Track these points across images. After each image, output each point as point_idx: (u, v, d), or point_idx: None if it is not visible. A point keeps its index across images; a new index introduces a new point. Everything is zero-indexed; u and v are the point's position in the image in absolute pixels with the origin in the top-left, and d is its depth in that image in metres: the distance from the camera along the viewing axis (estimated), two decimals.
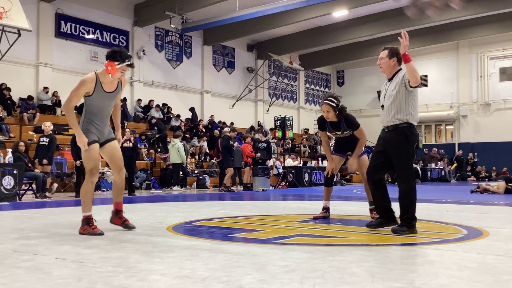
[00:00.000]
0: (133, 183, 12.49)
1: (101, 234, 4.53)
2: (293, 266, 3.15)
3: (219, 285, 2.62)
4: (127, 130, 12.68)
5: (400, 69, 4.85)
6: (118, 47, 4.86)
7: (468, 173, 27.53)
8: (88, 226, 4.60)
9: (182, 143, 15.50)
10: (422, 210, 7.42)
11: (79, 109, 15.22)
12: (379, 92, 28.83)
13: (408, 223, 4.70)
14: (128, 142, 12.12)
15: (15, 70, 16.78)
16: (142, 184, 15.21)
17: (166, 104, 21.03)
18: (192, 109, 21.86)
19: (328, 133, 6.25)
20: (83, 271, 2.99)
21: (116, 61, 4.59)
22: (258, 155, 15.68)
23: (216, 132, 19.99)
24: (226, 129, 17.64)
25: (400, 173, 4.83)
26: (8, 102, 16.00)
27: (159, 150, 17.27)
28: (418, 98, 4.82)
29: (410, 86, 4.65)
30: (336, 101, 5.86)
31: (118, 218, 4.90)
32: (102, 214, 5.68)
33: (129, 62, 4.65)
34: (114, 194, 4.99)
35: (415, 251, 3.71)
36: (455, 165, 27.27)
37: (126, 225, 4.84)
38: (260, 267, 3.08)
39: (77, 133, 4.57)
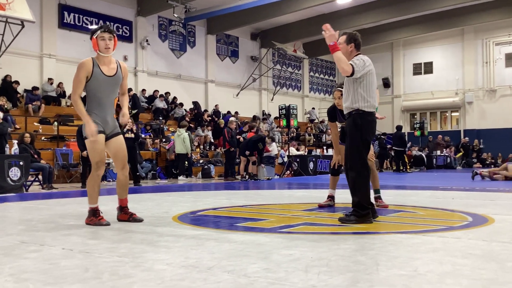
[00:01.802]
0: (138, 173, 12.51)
1: (108, 224, 4.55)
2: (298, 254, 3.16)
3: (224, 274, 2.64)
4: (129, 120, 12.61)
5: (358, 54, 4.80)
6: None
7: (473, 159, 27.44)
8: (94, 217, 4.62)
9: (187, 133, 15.52)
10: (427, 198, 7.44)
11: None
12: (383, 79, 28.61)
13: (356, 213, 4.58)
14: (129, 132, 12.06)
15: (19, 61, 16.79)
16: (147, 174, 15.25)
17: (169, 93, 20.98)
18: (195, 103, 21.85)
19: (338, 123, 6.21)
20: (90, 261, 3.01)
21: (94, 34, 4.69)
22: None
23: (221, 121, 19.99)
24: (232, 118, 17.70)
25: (348, 160, 4.75)
26: (18, 95, 16.07)
27: (163, 140, 17.30)
28: (372, 84, 4.70)
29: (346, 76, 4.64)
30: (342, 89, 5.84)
31: (124, 214, 4.86)
32: (109, 205, 5.71)
33: (102, 29, 4.71)
34: (118, 191, 4.93)
35: (419, 239, 3.71)
36: (461, 153, 27.17)
37: (134, 219, 4.79)
38: (265, 256, 3.10)
39: (86, 121, 4.52)
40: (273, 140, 19.11)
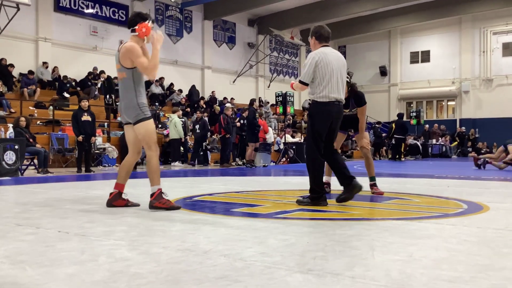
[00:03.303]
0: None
1: (179, 208, 4.55)
2: (294, 240, 3.17)
3: (221, 258, 2.65)
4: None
5: (322, 46, 5.02)
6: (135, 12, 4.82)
7: (469, 149, 27.53)
8: (165, 199, 4.52)
9: (183, 119, 15.49)
10: (423, 185, 7.47)
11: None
12: (380, 68, 28.55)
13: (310, 196, 4.88)
14: None
15: (14, 45, 16.66)
16: (143, 160, 15.22)
17: (163, 78, 20.87)
18: (191, 89, 21.80)
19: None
20: (86, 244, 3.01)
21: (147, 20, 4.61)
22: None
23: (217, 107, 19.94)
24: (228, 104, 17.66)
25: (305, 146, 5.07)
26: (13, 79, 15.97)
27: (159, 126, 17.26)
28: (325, 76, 4.83)
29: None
30: (349, 77, 5.83)
31: (121, 200, 4.76)
32: (105, 189, 5.71)
33: (152, 20, 4.70)
34: (123, 175, 4.79)
35: (415, 225, 3.73)
36: (455, 142, 27.25)
37: (132, 204, 4.75)
38: (261, 241, 3.11)
39: (157, 56, 4.59)
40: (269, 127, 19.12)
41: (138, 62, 4.53)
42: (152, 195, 4.52)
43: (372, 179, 6.14)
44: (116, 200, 4.74)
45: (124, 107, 4.68)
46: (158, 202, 4.49)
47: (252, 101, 15.55)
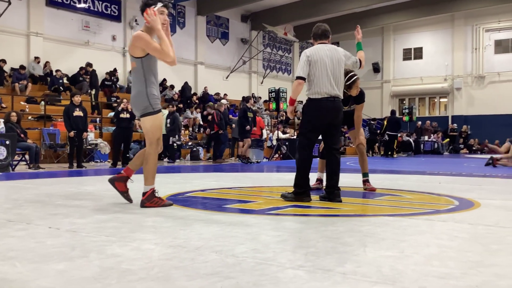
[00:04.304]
0: (128, 155, 12.43)
1: (171, 204, 4.49)
2: (286, 236, 3.17)
3: (212, 254, 2.64)
4: (124, 100, 12.42)
5: (319, 43, 5.06)
6: None
7: (460, 145, 27.70)
8: (156, 198, 4.47)
9: (175, 115, 15.44)
10: (414, 182, 7.50)
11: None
12: (373, 64, 28.63)
13: (294, 191, 4.92)
14: (124, 112, 11.92)
15: (5, 39, 16.53)
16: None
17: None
18: (184, 86, 21.73)
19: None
20: (77, 241, 3.00)
21: (152, 5, 4.41)
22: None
23: (211, 103, 19.90)
24: (223, 100, 17.65)
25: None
26: (4, 74, 15.84)
27: None
28: (316, 72, 4.86)
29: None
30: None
31: (124, 185, 4.67)
32: (96, 185, 5.68)
33: (162, 3, 4.47)
34: (137, 162, 4.66)
35: (406, 222, 3.74)
36: (447, 139, 27.39)
37: (126, 197, 4.69)
38: (253, 237, 3.10)
39: (163, 36, 4.38)
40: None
41: (151, 48, 4.38)
42: (144, 194, 4.49)
43: (365, 175, 6.17)
44: (120, 182, 4.67)
45: (132, 98, 4.53)
46: (149, 202, 4.45)
47: (247, 99, 15.57)
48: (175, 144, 14.58)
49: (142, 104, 4.44)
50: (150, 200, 4.46)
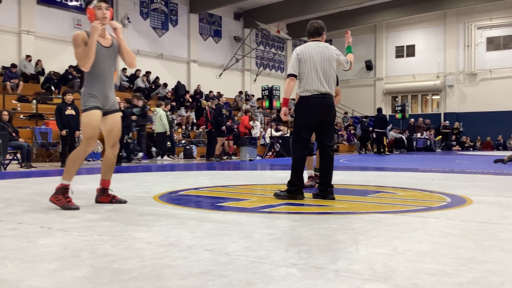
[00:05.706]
0: (120, 153, 12.36)
1: (77, 208, 4.22)
2: (279, 234, 3.17)
3: (205, 252, 2.63)
4: (117, 98, 12.30)
5: (311, 41, 5.08)
6: None
7: (453, 142, 27.83)
8: (63, 197, 4.29)
9: (167, 113, 15.40)
10: (407, 179, 7.52)
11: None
12: (366, 62, 28.68)
13: (287, 189, 4.95)
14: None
15: None
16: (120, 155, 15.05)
17: (150, 72, 20.71)
18: (177, 85, 21.66)
19: None
20: (69, 240, 2.98)
21: (90, 4, 4.46)
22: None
23: (204, 102, 19.86)
24: (222, 99, 17.67)
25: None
26: None
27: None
28: (304, 70, 4.90)
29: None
30: None
31: (105, 196, 4.64)
32: (89, 184, 5.66)
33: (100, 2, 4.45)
34: (103, 170, 4.66)
35: (399, 219, 3.75)
36: (439, 137, 27.51)
37: (117, 201, 4.62)
38: (246, 235, 3.10)
39: (90, 44, 4.36)
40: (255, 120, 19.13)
41: (74, 52, 4.44)
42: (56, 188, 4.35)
43: (317, 170, 6.18)
44: (100, 197, 4.67)
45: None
46: (53, 197, 4.32)
47: (218, 96, 15.48)
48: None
49: (81, 102, 4.49)
50: (56, 195, 4.31)
